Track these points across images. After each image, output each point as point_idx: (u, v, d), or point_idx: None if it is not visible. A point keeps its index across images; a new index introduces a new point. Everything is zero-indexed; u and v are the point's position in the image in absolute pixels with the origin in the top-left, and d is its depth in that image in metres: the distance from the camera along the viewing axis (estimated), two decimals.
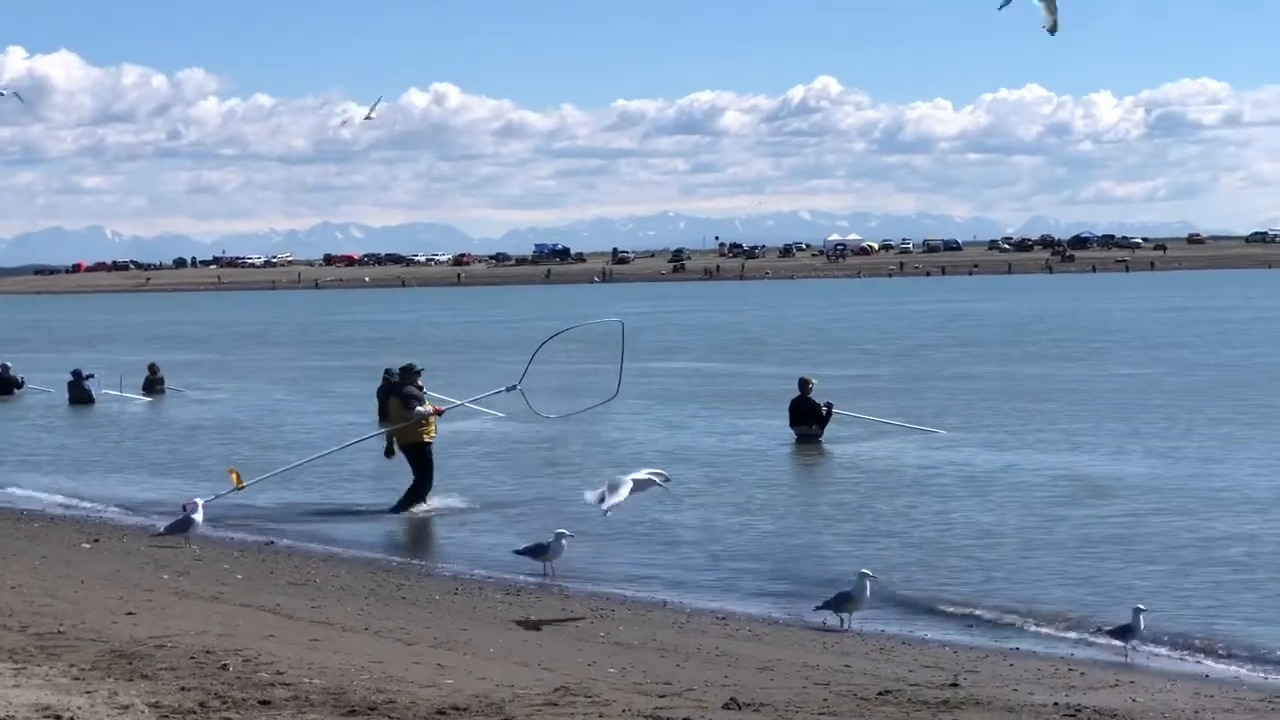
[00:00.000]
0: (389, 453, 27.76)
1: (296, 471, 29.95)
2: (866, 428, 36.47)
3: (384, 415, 28.60)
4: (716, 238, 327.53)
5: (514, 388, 27.24)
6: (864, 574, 17.63)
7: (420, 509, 26.72)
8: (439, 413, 27.85)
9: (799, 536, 23.82)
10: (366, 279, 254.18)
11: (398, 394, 27.64)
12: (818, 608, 17.71)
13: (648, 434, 37.16)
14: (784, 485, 29.11)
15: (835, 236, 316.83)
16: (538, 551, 20.80)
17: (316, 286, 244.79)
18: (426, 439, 27.39)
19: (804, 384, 35.96)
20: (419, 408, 27.39)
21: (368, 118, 77.82)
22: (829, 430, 35.05)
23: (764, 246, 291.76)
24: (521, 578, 20.79)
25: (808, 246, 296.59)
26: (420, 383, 28.03)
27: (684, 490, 27.55)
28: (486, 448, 35.32)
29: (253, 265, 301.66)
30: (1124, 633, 16.55)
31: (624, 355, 27.33)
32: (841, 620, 17.52)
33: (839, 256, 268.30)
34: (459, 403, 32.26)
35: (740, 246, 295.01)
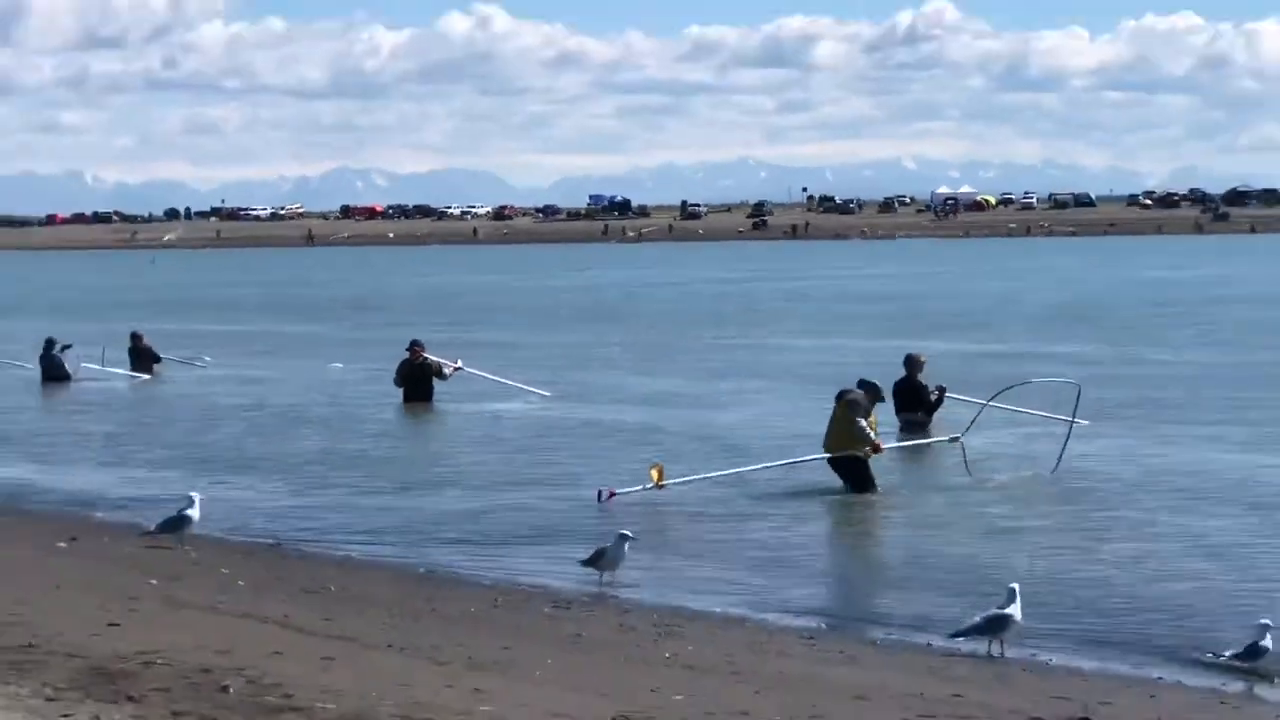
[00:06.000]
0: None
1: (302, 463, 31.18)
2: (992, 415, 35.59)
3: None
4: (804, 189, 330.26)
5: (956, 439, 29.49)
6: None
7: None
8: (876, 450, 27.78)
9: (901, 546, 23.76)
10: (391, 235, 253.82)
11: (846, 396, 27.88)
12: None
13: (722, 416, 37.19)
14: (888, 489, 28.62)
15: (944, 189, 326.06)
16: (595, 559, 20.88)
17: (309, 239, 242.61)
18: (858, 453, 27.60)
19: (911, 363, 35.76)
20: (861, 422, 27.53)
21: None
22: (941, 413, 34.89)
23: (860, 200, 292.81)
24: (573, 586, 20.81)
25: (912, 200, 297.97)
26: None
27: (756, 490, 27.53)
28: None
29: (257, 218, 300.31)
30: (1251, 654, 16.51)
31: (1072, 429, 29.93)
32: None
33: (949, 213, 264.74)
34: (887, 445, 29.50)
35: (832, 200, 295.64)
